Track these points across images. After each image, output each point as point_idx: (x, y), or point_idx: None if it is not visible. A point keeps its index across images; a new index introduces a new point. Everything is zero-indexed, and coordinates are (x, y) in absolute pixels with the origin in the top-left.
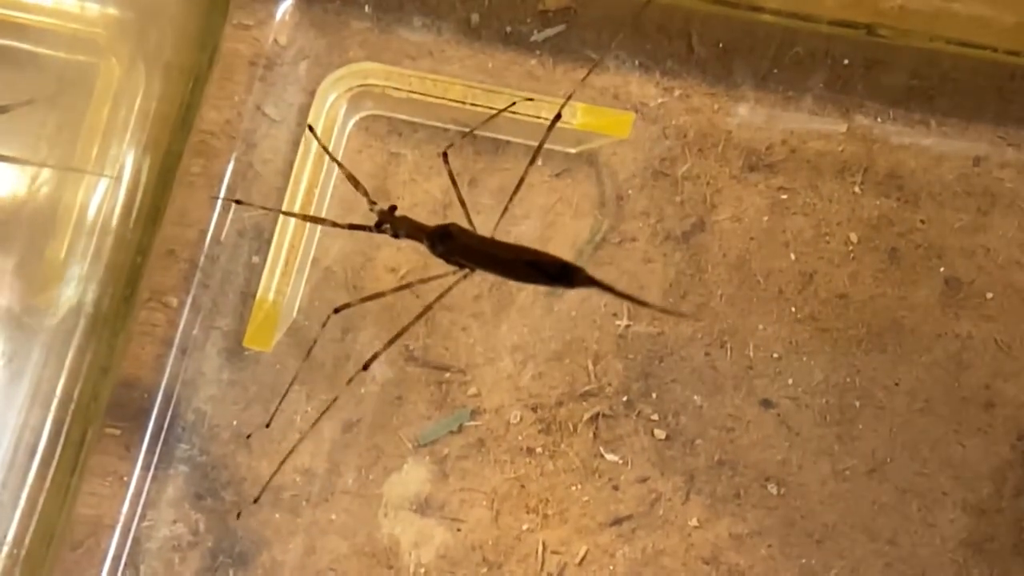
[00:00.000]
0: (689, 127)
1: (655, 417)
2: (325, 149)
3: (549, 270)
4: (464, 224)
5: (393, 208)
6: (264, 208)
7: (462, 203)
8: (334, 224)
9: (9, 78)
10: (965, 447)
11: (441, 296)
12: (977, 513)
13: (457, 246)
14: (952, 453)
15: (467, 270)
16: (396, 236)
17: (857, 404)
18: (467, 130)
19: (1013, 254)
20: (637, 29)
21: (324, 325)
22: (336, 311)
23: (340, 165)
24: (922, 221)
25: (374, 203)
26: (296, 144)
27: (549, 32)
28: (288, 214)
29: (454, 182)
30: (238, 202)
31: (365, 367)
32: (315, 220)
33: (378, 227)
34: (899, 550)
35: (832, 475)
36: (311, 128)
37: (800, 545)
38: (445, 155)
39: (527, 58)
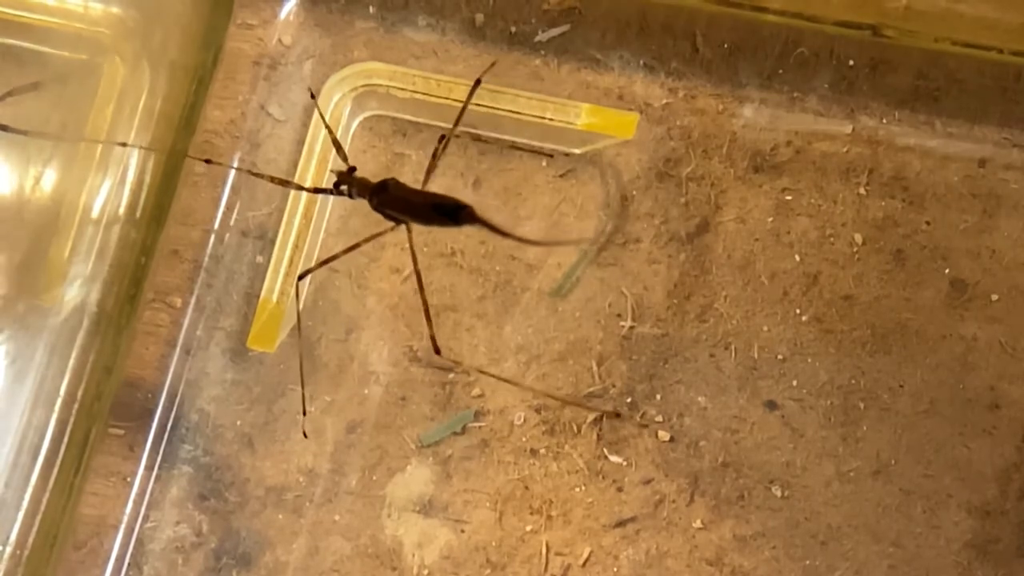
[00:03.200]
0: (694, 128)
1: (659, 419)
2: (324, 120)
3: (443, 210)
4: None
5: (352, 169)
6: (236, 168)
7: (428, 171)
8: (299, 187)
9: (13, 77)
10: (970, 449)
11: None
12: (982, 515)
13: (388, 198)
14: (957, 455)
15: (399, 224)
16: (351, 196)
17: (862, 406)
18: (473, 131)
19: (1019, 256)
20: (642, 29)
21: (297, 294)
22: (300, 278)
23: (330, 130)
24: (927, 223)
25: (345, 158)
26: (300, 144)
27: (554, 32)
28: (254, 174)
29: (435, 156)
30: (208, 161)
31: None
32: (281, 182)
33: (336, 187)
34: (903, 552)
35: (836, 477)
36: (313, 95)
37: (804, 547)
38: (443, 137)
39: (532, 58)
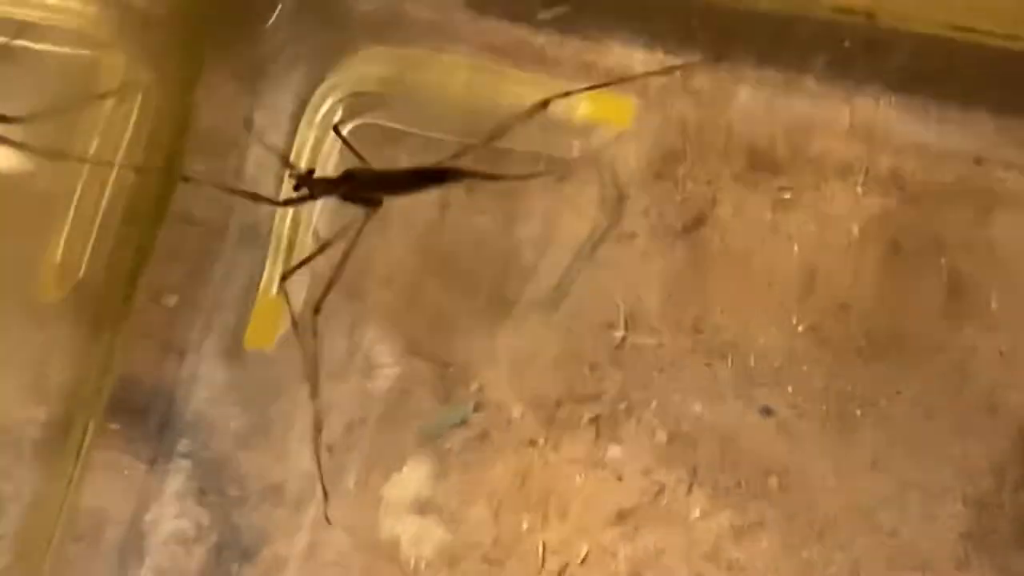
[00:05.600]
0: (690, 116)
1: (655, 423)
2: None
3: (426, 173)
4: None
5: (311, 172)
6: (213, 185)
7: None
8: (271, 202)
9: (10, 75)
10: (966, 446)
11: (356, 236)
12: (978, 507)
13: (358, 183)
14: (954, 452)
15: (373, 209)
16: (314, 198)
17: (858, 413)
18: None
19: (1016, 254)
20: (641, 12)
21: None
22: (283, 279)
23: (267, 146)
24: (924, 219)
25: (292, 167)
26: (289, 148)
27: (555, 11)
28: (235, 192)
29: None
30: (185, 179)
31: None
32: (253, 197)
33: (296, 190)
34: (900, 543)
35: (833, 472)
36: (246, 123)
37: (801, 537)
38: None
39: (535, 37)
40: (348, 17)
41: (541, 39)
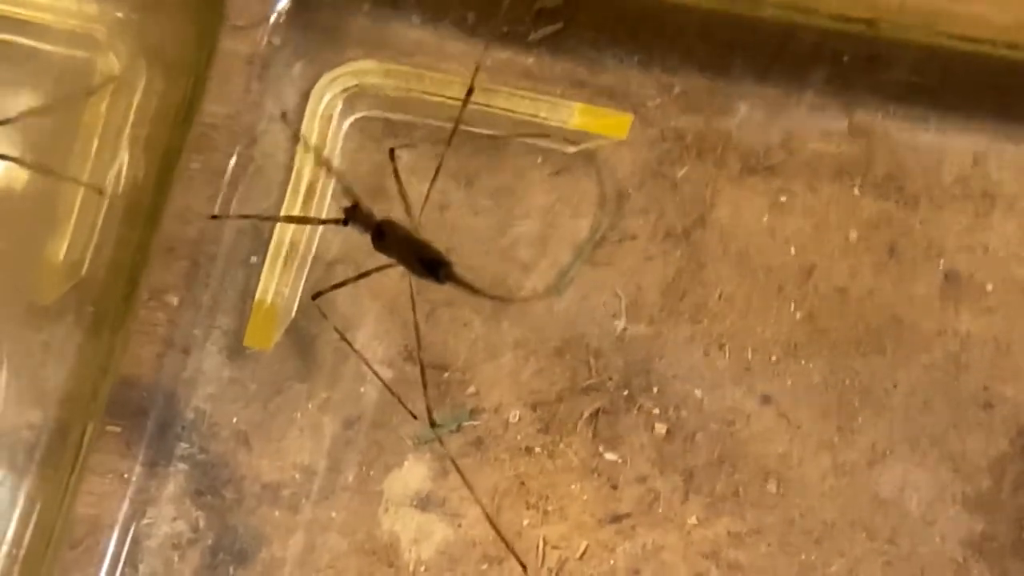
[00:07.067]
0: (688, 126)
1: (656, 411)
2: (322, 159)
3: (426, 263)
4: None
5: (355, 206)
6: (244, 216)
7: (403, 196)
8: (321, 221)
9: (7, 74)
10: (965, 444)
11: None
12: (977, 511)
13: (385, 244)
14: (952, 450)
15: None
16: (361, 231)
17: (856, 403)
18: (468, 128)
19: (1012, 254)
20: (635, 28)
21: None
22: (313, 298)
23: (328, 167)
24: (921, 222)
25: (357, 202)
26: (292, 145)
27: (546, 31)
28: (270, 219)
29: (398, 178)
30: (215, 217)
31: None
32: (299, 220)
33: (345, 224)
34: (899, 549)
35: (832, 470)
36: (303, 137)
37: (799, 543)
38: (392, 152)
39: (524, 56)
40: (338, 31)
41: (531, 59)
